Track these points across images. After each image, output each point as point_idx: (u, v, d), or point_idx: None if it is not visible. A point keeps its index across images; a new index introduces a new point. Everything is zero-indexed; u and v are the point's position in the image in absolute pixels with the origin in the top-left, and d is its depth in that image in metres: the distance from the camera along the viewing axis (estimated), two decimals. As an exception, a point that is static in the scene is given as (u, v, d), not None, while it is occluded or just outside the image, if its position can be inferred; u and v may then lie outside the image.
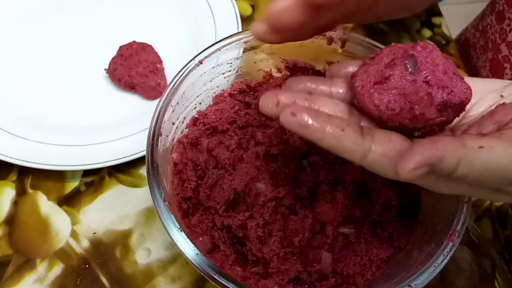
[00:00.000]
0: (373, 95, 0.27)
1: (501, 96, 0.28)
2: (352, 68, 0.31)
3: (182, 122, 0.39)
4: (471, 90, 0.26)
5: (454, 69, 0.27)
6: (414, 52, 0.26)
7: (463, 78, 0.27)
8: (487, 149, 0.22)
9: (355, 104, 0.29)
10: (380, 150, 0.25)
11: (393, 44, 0.28)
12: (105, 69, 0.52)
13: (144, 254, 0.44)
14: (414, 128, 0.26)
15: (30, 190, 0.47)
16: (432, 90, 0.25)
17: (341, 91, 0.30)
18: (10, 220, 0.46)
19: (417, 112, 0.25)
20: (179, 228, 0.31)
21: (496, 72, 0.51)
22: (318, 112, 0.25)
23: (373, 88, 0.27)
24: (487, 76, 0.56)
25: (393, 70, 0.26)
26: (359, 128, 0.25)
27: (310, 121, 0.24)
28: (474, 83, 0.28)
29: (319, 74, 0.39)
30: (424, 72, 0.26)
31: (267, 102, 0.27)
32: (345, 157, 0.25)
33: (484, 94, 0.29)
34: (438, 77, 0.26)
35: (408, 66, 0.26)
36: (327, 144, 0.24)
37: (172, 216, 0.31)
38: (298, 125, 0.24)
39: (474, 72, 0.61)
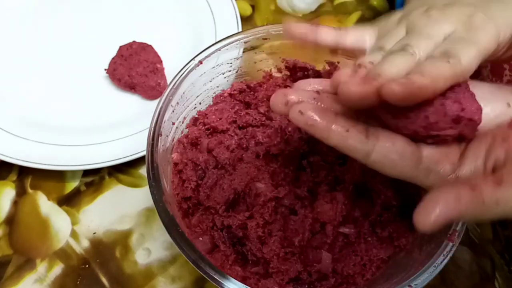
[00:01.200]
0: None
1: (508, 105, 0.28)
2: None
3: (182, 122, 0.39)
4: (481, 111, 0.26)
5: (466, 86, 0.27)
6: None
7: (475, 96, 0.27)
8: (503, 203, 0.23)
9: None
10: (382, 152, 0.26)
11: None
12: (105, 69, 0.52)
13: (144, 254, 0.44)
14: (427, 136, 0.26)
15: (30, 190, 0.47)
16: (446, 102, 0.25)
17: None
18: (10, 220, 0.46)
19: (432, 120, 0.25)
20: (179, 228, 0.31)
21: (496, 72, 0.51)
22: (325, 111, 0.26)
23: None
24: (487, 77, 0.56)
25: None
26: (364, 129, 0.26)
27: (316, 120, 0.25)
28: (482, 87, 0.28)
29: (319, 74, 0.39)
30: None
31: (277, 102, 0.28)
32: (349, 155, 0.26)
33: (491, 100, 0.28)
34: (452, 91, 0.26)
35: None
36: (332, 142, 0.26)
37: (172, 216, 0.31)
38: (305, 123, 0.25)
39: (474, 72, 0.61)
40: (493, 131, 0.27)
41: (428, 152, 0.27)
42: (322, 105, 0.28)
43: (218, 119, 0.39)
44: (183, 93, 0.38)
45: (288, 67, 0.40)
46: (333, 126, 0.25)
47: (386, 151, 0.26)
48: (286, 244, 0.34)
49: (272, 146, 0.36)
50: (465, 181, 0.24)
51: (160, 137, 0.34)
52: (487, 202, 0.23)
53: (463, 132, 0.27)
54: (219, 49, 0.39)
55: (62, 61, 0.55)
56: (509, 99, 0.28)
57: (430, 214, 0.22)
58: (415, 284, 0.29)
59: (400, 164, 0.26)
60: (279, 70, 0.42)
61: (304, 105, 0.26)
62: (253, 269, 0.34)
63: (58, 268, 0.43)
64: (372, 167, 0.26)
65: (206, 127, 0.39)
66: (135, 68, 0.51)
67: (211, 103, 0.41)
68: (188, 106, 0.39)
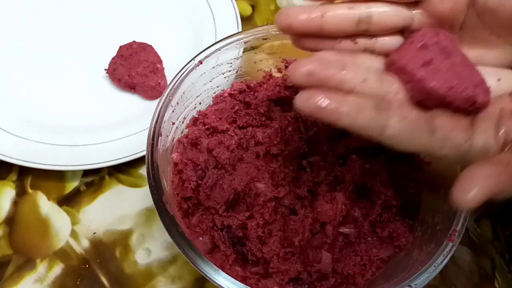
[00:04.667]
0: (427, 77, 0.27)
1: (498, 80, 0.29)
2: None
3: (182, 122, 0.39)
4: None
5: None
6: (439, 39, 0.27)
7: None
8: None
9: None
10: (397, 124, 0.25)
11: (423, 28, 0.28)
12: (105, 69, 0.52)
13: (144, 254, 0.44)
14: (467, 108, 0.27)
15: (30, 190, 0.47)
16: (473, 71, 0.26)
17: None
18: (10, 220, 0.46)
19: (472, 93, 0.26)
20: (179, 228, 0.31)
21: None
22: (333, 93, 0.25)
23: (423, 70, 0.27)
24: None
25: (429, 53, 0.27)
26: (375, 105, 0.25)
27: (324, 103, 0.24)
28: None
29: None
30: (457, 57, 0.27)
31: (294, 70, 0.26)
32: (364, 134, 0.25)
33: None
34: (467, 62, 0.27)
35: (440, 50, 0.27)
36: (343, 124, 0.25)
37: (172, 216, 0.31)
38: (314, 108, 0.25)
39: None
40: (500, 102, 0.27)
41: (440, 120, 0.27)
42: (345, 71, 0.27)
43: (218, 119, 0.39)
44: (183, 93, 0.38)
45: (288, 67, 0.40)
46: (342, 107, 0.25)
47: (401, 122, 0.25)
48: (286, 244, 0.34)
49: (272, 146, 0.36)
50: (495, 158, 0.24)
51: (160, 137, 0.34)
52: None
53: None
54: (219, 49, 0.39)
55: (62, 61, 0.55)
56: (498, 74, 0.29)
57: (470, 190, 0.23)
58: (415, 284, 0.29)
59: (416, 135, 0.26)
60: (279, 70, 0.42)
61: (310, 92, 0.25)
62: (253, 269, 0.34)
63: (58, 268, 0.43)
64: (388, 143, 0.26)
65: (206, 127, 0.39)
66: (135, 68, 0.51)
67: (211, 103, 0.41)
68: (188, 106, 0.39)
